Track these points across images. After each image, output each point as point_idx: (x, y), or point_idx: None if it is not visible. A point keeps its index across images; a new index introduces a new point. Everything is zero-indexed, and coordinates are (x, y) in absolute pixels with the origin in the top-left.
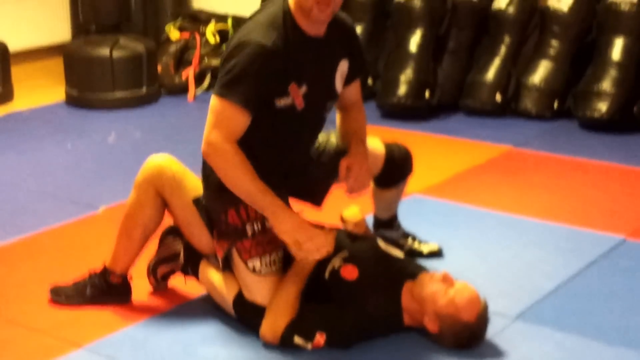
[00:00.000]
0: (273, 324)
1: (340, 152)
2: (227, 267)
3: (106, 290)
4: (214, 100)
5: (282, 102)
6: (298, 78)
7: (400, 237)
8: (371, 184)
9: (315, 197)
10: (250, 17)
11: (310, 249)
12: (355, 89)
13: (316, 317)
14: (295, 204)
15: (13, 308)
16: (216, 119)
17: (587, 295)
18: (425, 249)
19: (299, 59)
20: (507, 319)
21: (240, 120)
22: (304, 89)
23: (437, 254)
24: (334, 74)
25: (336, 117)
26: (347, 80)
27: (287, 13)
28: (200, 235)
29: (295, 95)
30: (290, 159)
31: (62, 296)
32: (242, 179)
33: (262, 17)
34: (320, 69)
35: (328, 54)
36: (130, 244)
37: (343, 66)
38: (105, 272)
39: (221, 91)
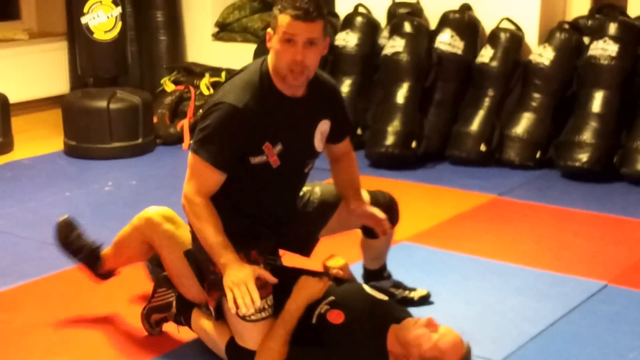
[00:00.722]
0: None
1: (325, 203)
2: (219, 316)
3: (92, 267)
4: (189, 155)
5: (256, 160)
6: (272, 138)
7: (391, 287)
8: (359, 235)
9: (304, 248)
10: (231, 77)
11: (239, 304)
12: (343, 143)
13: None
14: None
15: (15, 353)
16: (191, 173)
17: (570, 339)
18: (415, 295)
19: (273, 119)
20: None
21: (211, 176)
22: (278, 147)
23: (426, 298)
24: (313, 133)
25: (330, 168)
26: (334, 140)
27: (264, 74)
28: (190, 287)
29: (270, 154)
30: (272, 211)
31: (61, 239)
32: (206, 232)
33: (239, 79)
34: (297, 128)
35: (307, 114)
36: (116, 260)
37: (323, 126)
38: (97, 258)
39: (195, 147)
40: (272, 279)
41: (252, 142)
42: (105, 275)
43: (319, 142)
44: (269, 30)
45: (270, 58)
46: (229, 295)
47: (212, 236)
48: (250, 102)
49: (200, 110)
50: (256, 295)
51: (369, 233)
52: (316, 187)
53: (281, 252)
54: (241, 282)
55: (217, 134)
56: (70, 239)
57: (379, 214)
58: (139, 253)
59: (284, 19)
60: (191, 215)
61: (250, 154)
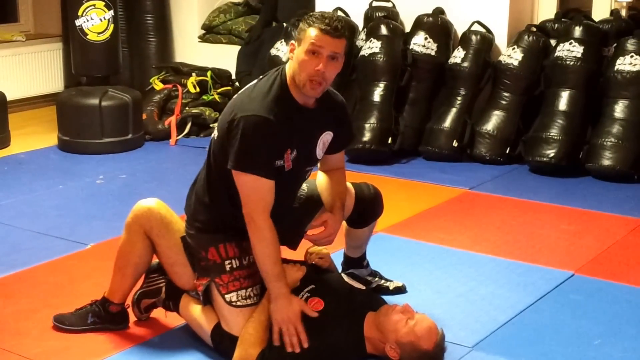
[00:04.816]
0: (245, 354)
1: (311, 199)
2: (207, 301)
3: (106, 317)
4: (238, 176)
5: (277, 163)
6: (291, 144)
7: (368, 275)
8: (344, 224)
9: (291, 241)
10: (251, 86)
11: (286, 341)
12: (341, 156)
13: (285, 347)
14: None
15: (9, 337)
16: (247, 194)
17: (538, 326)
18: (391, 285)
19: (292, 127)
20: (464, 349)
21: (266, 189)
22: (294, 153)
23: (401, 290)
24: (316, 142)
25: (317, 175)
26: (332, 151)
27: (284, 84)
28: (182, 274)
29: (287, 159)
30: (273, 210)
31: (66, 323)
32: (269, 259)
33: (263, 88)
34: (306, 136)
35: (315, 123)
36: (123, 279)
37: (326, 137)
38: (105, 301)
39: (241, 166)
40: (314, 314)
41: (279, 149)
42: (120, 315)
43: (320, 151)
44: (293, 42)
45: (288, 68)
46: (275, 329)
47: (271, 264)
48: (278, 112)
49: (187, 108)
50: (304, 336)
51: (353, 223)
52: (304, 184)
53: None
54: (290, 322)
55: (258, 147)
56: (72, 318)
57: (329, 234)
58: (144, 251)
59: (312, 32)
60: (256, 236)
61: (276, 159)
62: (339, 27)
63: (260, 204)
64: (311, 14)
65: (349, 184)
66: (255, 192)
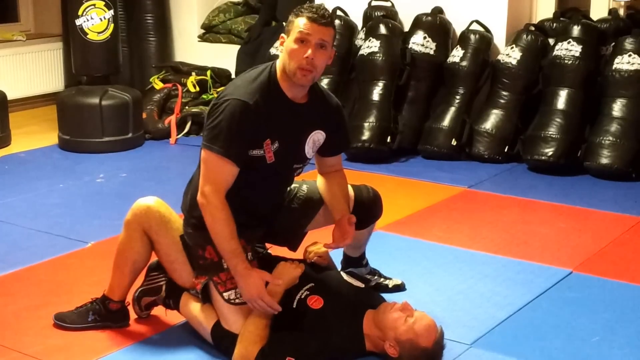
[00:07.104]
0: (245, 352)
1: (311, 200)
2: (206, 299)
3: (106, 315)
4: (203, 152)
5: (254, 152)
6: (272, 135)
7: (368, 273)
8: None
9: (291, 242)
10: (241, 75)
11: (262, 311)
12: (338, 158)
13: (285, 344)
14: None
15: (10, 335)
16: (206, 170)
17: (537, 324)
18: (390, 283)
19: (276, 119)
20: (463, 346)
21: (226, 170)
22: (276, 145)
23: (400, 287)
24: (306, 139)
25: (317, 179)
26: (326, 153)
27: (272, 75)
28: (181, 272)
29: (267, 150)
30: (258, 204)
31: (67, 321)
32: (221, 236)
33: (249, 77)
34: (293, 131)
35: (304, 120)
36: (122, 277)
37: (316, 135)
38: (104, 299)
39: (208, 143)
40: (277, 281)
41: (256, 137)
42: (120, 313)
43: (309, 149)
44: (283, 34)
45: (279, 61)
46: (250, 306)
47: (225, 241)
48: (259, 99)
49: (187, 107)
50: (274, 305)
51: None
52: (304, 185)
53: (269, 245)
54: (257, 297)
55: (229, 128)
56: (73, 316)
57: (347, 237)
58: (142, 250)
59: (300, 21)
60: (207, 214)
61: (251, 147)
62: (326, 15)
63: (216, 184)
64: (300, 6)
65: (349, 187)
66: (215, 171)
